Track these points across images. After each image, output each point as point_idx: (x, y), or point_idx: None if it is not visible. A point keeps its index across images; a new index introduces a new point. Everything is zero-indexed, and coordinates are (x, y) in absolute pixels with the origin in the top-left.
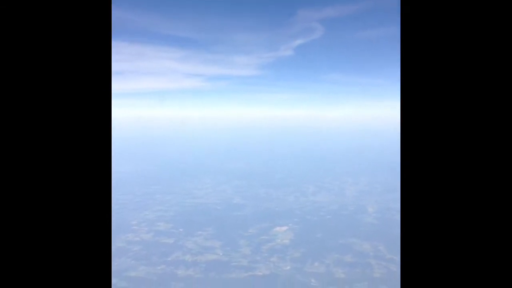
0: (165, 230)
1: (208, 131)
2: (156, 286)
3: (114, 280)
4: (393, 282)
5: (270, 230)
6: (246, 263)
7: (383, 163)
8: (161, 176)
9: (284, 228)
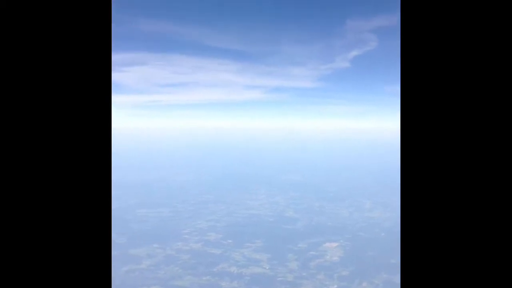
0: (215, 240)
1: (268, 142)
2: None
3: None
4: None
5: (320, 246)
6: (291, 278)
7: None
8: (217, 185)
9: (335, 244)
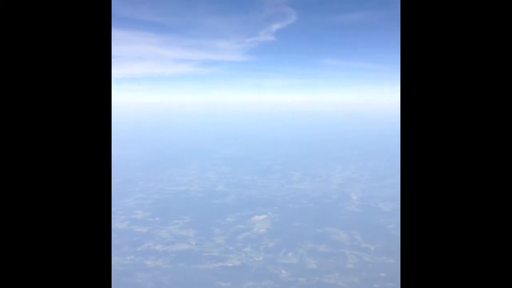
0: (142, 218)
1: (200, 117)
2: (122, 277)
3: None
4: (365, 273)
5: (249, 219)
6: (218, 253)
7: (376, 150)
8: (147, 162)
9: (263, 217)
